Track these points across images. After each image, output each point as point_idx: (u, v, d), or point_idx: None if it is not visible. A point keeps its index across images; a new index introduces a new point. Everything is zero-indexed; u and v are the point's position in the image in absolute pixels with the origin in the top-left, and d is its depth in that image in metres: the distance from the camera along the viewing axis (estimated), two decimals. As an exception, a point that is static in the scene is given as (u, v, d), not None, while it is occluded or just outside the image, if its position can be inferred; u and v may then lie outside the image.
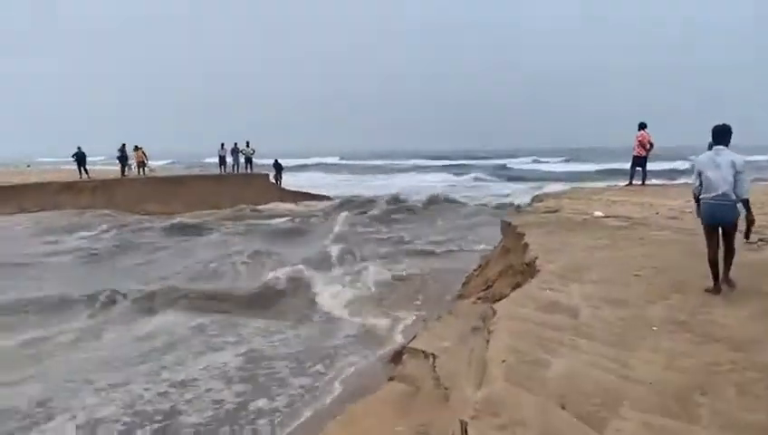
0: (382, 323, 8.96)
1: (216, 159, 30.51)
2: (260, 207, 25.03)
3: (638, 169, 15.21)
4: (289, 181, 32.67)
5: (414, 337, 6.34)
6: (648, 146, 14.67)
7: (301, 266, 11.27)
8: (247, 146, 29.65)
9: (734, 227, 5.26)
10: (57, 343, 8.54)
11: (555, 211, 11.37)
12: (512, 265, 8.97)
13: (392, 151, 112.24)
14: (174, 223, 19.10)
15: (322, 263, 12.45)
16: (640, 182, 15.27)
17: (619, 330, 4.58)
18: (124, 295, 10.26)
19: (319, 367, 7.46)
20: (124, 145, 27.53)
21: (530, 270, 7.46)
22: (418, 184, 42.54)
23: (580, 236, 8.81)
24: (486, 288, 9.46)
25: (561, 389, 3.54)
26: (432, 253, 14.10)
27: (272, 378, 7.22)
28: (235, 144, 29.74)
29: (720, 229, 5.31)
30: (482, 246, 13.63)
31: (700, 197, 5.31)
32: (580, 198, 13.30)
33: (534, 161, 69.32)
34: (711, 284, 5.41)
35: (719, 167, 5.08)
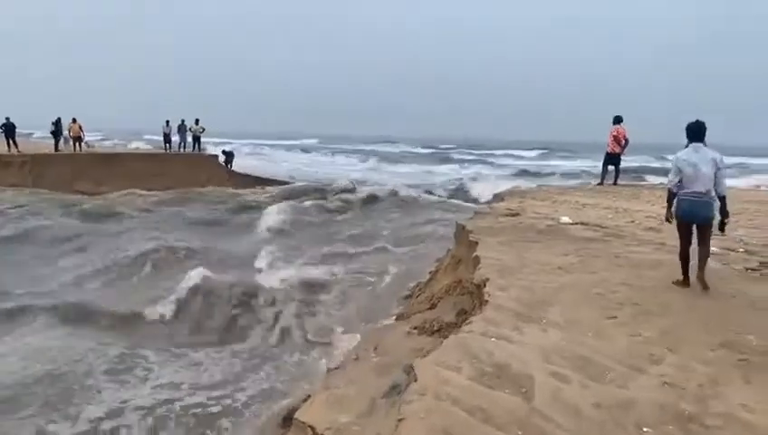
0: (294, 355, 7.23)
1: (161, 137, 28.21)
2: (204, 190, 22.89)
3: (610, 167, 13.86)
4: (250, 164, 30.51)
5: (307, 398, 4.64)
6: (623, 142, 13.27)
7: (207, 272, 9.35)
8: (196, 123, 27.41)
9: (710, 223, 5.26)
10: None
11: (516, 214, 9.80)
12: (461, 281, 7.43)
13: (371, 136, 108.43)
14: (94, 206, 16.90)
15: (243, 264, 10.61)
16: (612, 181, 13.93)
17: (591, 431, 2.96)
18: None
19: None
20: (59, 119, 25.19)
21: (478, 294, 5.88)
22: (382, 172, 40.62)
23: (543, 249, 7.25)
24: (431, 307, 7.92)
25: None
26: (374, 252, 12.31)
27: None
28: (182, 121, 27.45)
29: (695, 226, 5.30)
30: (431, 247, 11.99)
31: (678, 193, 5.26)
32: (545, 198, 11.78)
33: (506, 155, 64.99)
34: (681, 278, 5.51)
35: (700, 163, 5.08)
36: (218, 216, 16.96)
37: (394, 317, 7.77)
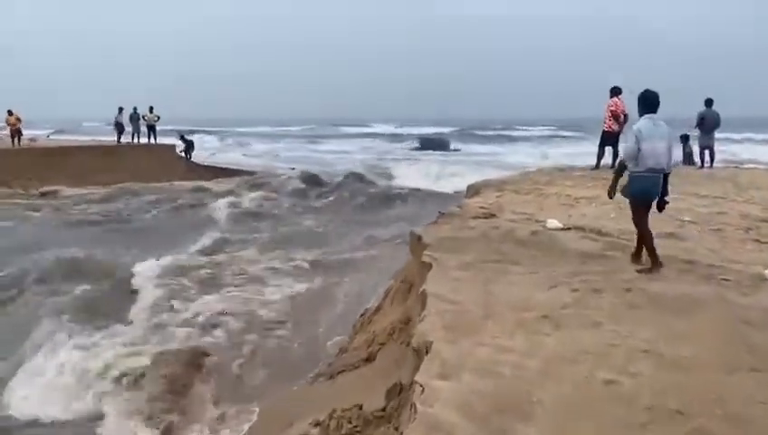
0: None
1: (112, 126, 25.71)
2: (150, 185, 20.61)
3: (607, 148, 11.63)
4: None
5: None
6: (621, 118, 11.02)
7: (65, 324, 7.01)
8: (150, 112, 25.01)
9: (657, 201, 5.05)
10: None
11: (491, 216, 7.55)
12: (410, 320, 5.31)
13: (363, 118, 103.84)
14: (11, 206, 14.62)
15: (122, 290, 8.28)
16: (610, 165, 11.72)
17: None
18: None
19: None
20: None
21: (417, 364, 3.69)
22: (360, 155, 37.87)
23: (521, 276, 5.06)
24: (368, 357, 5.83)
25: None
26: (318, 266, 9.88)
27: None
28: (135, 109, 25.05)
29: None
30: (385, 254, 9.69)
31: (636, 169, 4.81)
32: (530, 190, 9.52)
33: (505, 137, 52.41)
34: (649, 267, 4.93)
35: (662, 138, 4.80)
36: (147, 217, 14.59)
37: (315, 376, 5.55)
